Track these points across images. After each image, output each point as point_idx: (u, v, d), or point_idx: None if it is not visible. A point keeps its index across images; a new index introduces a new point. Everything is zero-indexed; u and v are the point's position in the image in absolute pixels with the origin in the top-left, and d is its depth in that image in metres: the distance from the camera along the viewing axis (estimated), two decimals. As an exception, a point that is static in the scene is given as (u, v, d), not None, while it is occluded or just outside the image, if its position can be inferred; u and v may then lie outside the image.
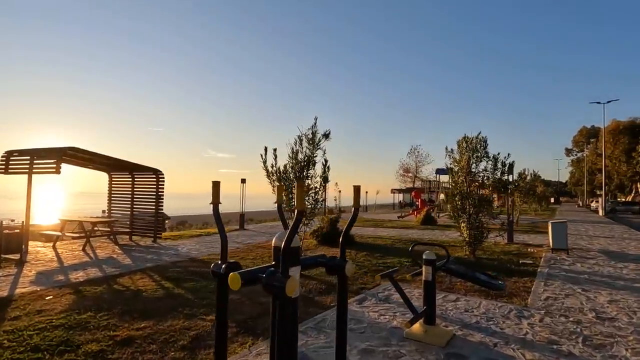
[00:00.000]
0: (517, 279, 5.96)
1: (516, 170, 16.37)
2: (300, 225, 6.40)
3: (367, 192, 34.94)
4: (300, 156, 6.22)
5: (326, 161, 6.20)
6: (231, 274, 1.58)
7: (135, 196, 10.75)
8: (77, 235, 9.03)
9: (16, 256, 7.13)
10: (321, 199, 6.20)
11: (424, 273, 3.48)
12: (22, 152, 8.19)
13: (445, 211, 23.87)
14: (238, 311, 4.27)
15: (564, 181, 79.50)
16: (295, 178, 6.07)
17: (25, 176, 8.03)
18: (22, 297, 4.83)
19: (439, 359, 3.02)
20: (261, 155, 6.25)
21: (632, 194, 46.25)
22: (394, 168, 44.03)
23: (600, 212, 28.99)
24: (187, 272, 6.33)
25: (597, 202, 36.67)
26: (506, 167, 8.43)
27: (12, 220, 8.27)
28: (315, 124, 6.26)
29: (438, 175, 28.98)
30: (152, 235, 10.27)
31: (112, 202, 11.22)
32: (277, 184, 6.20)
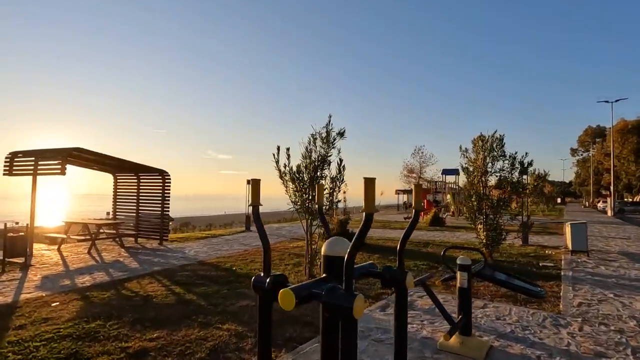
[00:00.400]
0: (542, 283, 5.68)
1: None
2: (314, 227, 6.16)
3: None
4: (314, 155, 5.98)
5: (341, 160, 5.96)
6: (283, 290, 1.31)
7: (140, 198, 10.55)
8: (82, 237, 8.83)
9: (21, 260, 6.93)
10: (337, 199, 5.95)
11: (458, 279, 3.23)
12: (26, 153, 7.99)
13: (452, 212, 23.63)
14: (254, 319, 4.02)
15: (567, 181, 78.88)
16: (313, 178, 5.82)
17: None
18: (27, 303, 4.61)
19: (480, 374, 2.77)
20: (273, 155, 6.02)
21: (640, 194, 45.75)
22: (398, 169, 43.74)
23: (609, 213, 28.58)
24: (196, 276, 6.10)
25: (604, 202, 36.21)
26: (524, 167, 8.14)
27: (17, 223, 8.06)
28: (329, 122, 6.03)
29: (444, 176, 28.66)
30: (158, 237, 10.05)
31: (118, 203, 11.01)
32: (291, 184, 5.96)
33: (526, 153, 8.33)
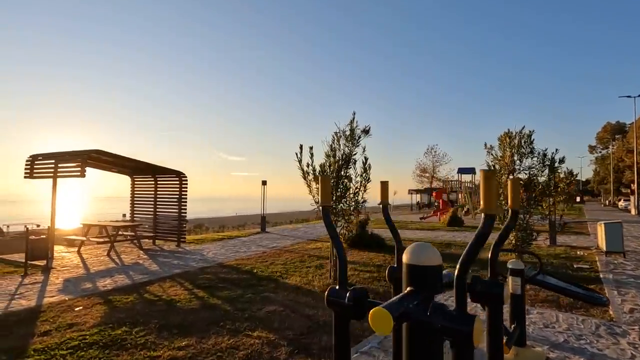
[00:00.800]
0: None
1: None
2: (338, 228, 5.92)
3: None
4: (338, 154, 5.77)
5: (366, 159, 5.73)
6: (376, 310, 1.02)
7: (158, 199, 10.51)
8: (101, 240, 8.80)
9: (42, 262, 6.90)
10: (362, 200, 5.72)
11: (510, 285, 2.97)
12: (46, 156, 7.98)
13: (469, 211, 23.08)
14: (284, 326, 3.84)
15: (583, 179, 76.75)
16: (337, 177, 5.61)
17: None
18: (50, 307, 4.52)
19: (542, 390, 2.51)
20: (296, 154, 5.84)
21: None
22: (410, 169, 43.21)
23: (633, 211, 27.59)
24: (218, 280, 5.95)
25: (626, 200, 35.02)
26: (553, 164, 7.76)
27: (38, 226, 8.06)
28: (353, 119, 5.81)
29: (460, 175, 28.11)
30: (175, 239, 9.98)
31: (135, 205, 11.00)
32: (315, 184, 5.76)
33: (556, 149, 7.96)
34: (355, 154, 5.78)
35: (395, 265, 1.43)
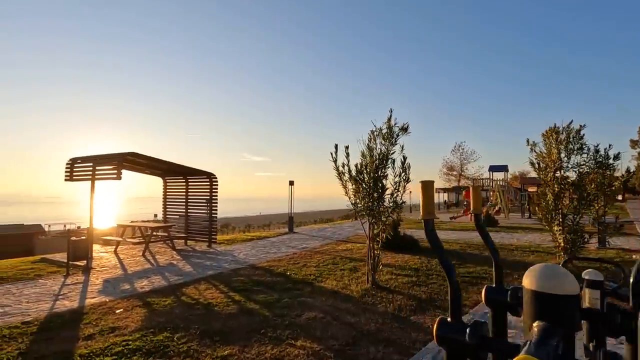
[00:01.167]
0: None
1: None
2: (381, 233, 5.67)
3: (410, 191, 33.48)
4: (375, 153, 5.53)
5: (405, 158, 5.45)
6: (524, 358, 0.76)
7: (189, 200, 10.64)
8: (136, 241, 8.98)
9: (83, 262, 7.09)
10: (401, 200, 5.45)
11: (587, 299, 2.63)
12: (84, 159, 8.22)
13: (500, 209, 22.11)
14: (327, 334, 3.65)
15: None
16: (375, 178, 5.38)
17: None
18: (92, 309, 4.56)
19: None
20: (331, 154, 5.65)
21: None
22: (437, 166, 42.10)
23: (684, 210, 25.50)
24: (252, 282, 5.87)
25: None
26: (608, 160, 7.15)
27: (78, 227, 8.31)
28: (390, 116, 5.54)
29: (491, 173, 27.00)
30: (206, 239, 10.06)
31: (167, 206, 11.20)
32: (352, 185, 5.55)
33: (609, 145, 7.34)
34: (393, 153, 5.51)
35: (495, 286, 1.19)
